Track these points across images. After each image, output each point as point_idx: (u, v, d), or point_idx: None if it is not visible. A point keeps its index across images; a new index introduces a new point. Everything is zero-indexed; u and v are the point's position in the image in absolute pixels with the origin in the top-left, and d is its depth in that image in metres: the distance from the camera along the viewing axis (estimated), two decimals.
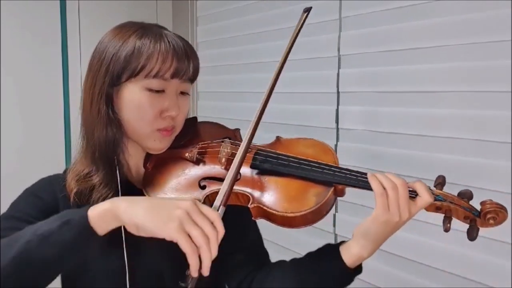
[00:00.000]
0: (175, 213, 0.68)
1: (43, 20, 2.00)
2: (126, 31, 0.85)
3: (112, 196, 0.84)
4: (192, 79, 0.88)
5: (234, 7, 1.96)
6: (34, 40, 1.98)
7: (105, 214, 0.71)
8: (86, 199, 0.85)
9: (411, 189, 0.78)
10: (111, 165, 0.86)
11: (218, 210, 0.74)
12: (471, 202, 0.80)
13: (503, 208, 0.77)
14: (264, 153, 0.87)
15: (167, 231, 0.68)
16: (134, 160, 0.91)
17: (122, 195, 0.86)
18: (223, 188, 0.77)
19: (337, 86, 1.51)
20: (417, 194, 0.78)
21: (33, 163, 1.94)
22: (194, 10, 2.20)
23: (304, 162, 0.84)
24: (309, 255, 0.89)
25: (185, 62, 0.84)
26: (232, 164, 0.79)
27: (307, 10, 0.91)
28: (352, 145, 1.48)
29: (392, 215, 0.76)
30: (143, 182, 0.89)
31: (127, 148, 0.89)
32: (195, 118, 0.99)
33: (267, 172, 0.84)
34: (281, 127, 1.70)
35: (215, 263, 0.69)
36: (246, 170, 0.85)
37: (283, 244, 1.63)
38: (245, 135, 0.82)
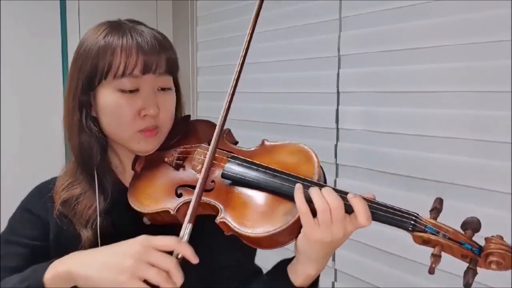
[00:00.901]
0: (124, 264, 0.67)
1: (43, 20, 2.00)
2: (96, 32, 0.83)
3: (96, 207, 0.83)
4: (170, 72, 0.85)
5: (234, 7, 1.96)
6: (34, 40, 1.98)
7: (60, 278, 0.71)
8: (72, 208, 0.84)
9: (348, 204, 0.68)
10: (91, 173, 0.84)
11: (186, 229, 0.70)
12: (476, 235, 0.65)
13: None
14: (236, 161, 0.79)
15: (121, 286, 0.67)
16: (126, 162, 0.89)
17: (115, 199, 0.85)
18: (192, 201, 0.71)
19: (337, 86, 1.50)
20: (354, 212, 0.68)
21: (33, 163, 1.94)
22: (194, 10, 2.20)
23: (275, 174, 0.74)
24: (267, 274, 0.84)
25: (154, 55, 0.80)
26: (200, 175, 0.73)
27: None
28: (352, 145, 1.48)
29: (322, 234, 0.68)
30: (129, 185, 0.86)
31: (117, 150, 0.88)
32: (188, 117, 0.95)
33: (238, 183, 0.76)
34: (281, 127, 1.70)
35: (202, 277, 0.67)
36: (219, 178, 0.78)
37: None
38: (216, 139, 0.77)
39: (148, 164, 0.87)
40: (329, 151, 1.52)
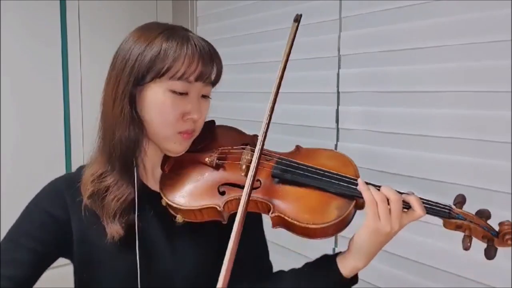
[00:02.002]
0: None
1: (43, 20, 2.00)
2: (151, 32, 0.84)
3: (126, 197, 0.84)
4: (214, 82, 0.89)
5: (234, 7, 1.96)
6: (34, 40, 1.98)
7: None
8: (100, 199, 0.85)
9: (405, 201, 0.80)
10: (128, 165, 0.86)
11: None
12: (489, 222, 0.81)
13: None
14: (285, 162, 0.86)
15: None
16: (151, 162, 0.91)
17: (138, 196, 0.86)
18: (243, 197, 0.76)
19: (337, 86, 1.51)
20: (410, 207, 0.80)
21: (33, 163, 1.94)
22: (194, 10, 2.20)
23: (327, 174, 0.83)
24: (307, 265, 0.89)
25: (209, 66, 0.85)
26: (249, 173, 0.79)
27: (297, 19, 0.92)
28: (352, 145, 1.48)
29: (383, 225, 0.78)
30: (160, 184, 0.88)
31: (146, 149, 0.89)
32: (213, 122, 0.99)
33: (288, 182, 0.84)
34: (281, 127, 1.70)
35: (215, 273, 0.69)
36: (267, 179, 0.85)
37: (284, 245, 1.63)
38: (258, 141, 0.82)
39: (178, 165, 0.90)
40: None
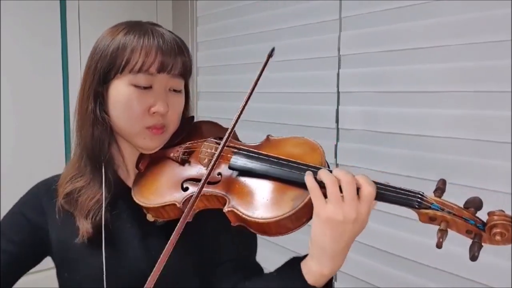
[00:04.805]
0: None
1: (43, 20, 2.00)
2: (116, 30, 0.85)
3: (100, 197, 0.84)
4: (184, 75, 0.87)
5: (234, 7, 1.96)
6: (34, 40, 1.98)
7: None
8: (75, 200, 0.85)
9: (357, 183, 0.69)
10: (99, 165, 0.86)
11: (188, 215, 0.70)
12: (479, 213, 0.67)
13: None
14: (243, 152, 0.82)
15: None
16: (129, 161, 0.90)
17: (115, 195, 0.86)
18: (195, 192, 0.72)
19: (337, 86, 1.51)
20: (359, 188, 0.68)
21: (33, 163, 1.94)
22: (194, 10, 2.20)
23: (282, 162, 0.77)
24: (277, 271, 0.81)
25: (171, 57, 0.83)
26: (209, 166, 0.75)
27: (271, 53, 0.91)
28: (352, 145, 1.48)
29: (332, 211, 0.67)
30: (133, 183, 0.87)
31: (121, 148, 0.89)
32: (191, 118, 0.97)
33: (246, 173, 0.79)
34: (281, 127, 1.70)
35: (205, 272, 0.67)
36: (226, 171, 0.81)
37: (277, 242, 1.63)
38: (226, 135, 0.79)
39: (152, 163, 0.89)
40: (329, 151, 1.52)
